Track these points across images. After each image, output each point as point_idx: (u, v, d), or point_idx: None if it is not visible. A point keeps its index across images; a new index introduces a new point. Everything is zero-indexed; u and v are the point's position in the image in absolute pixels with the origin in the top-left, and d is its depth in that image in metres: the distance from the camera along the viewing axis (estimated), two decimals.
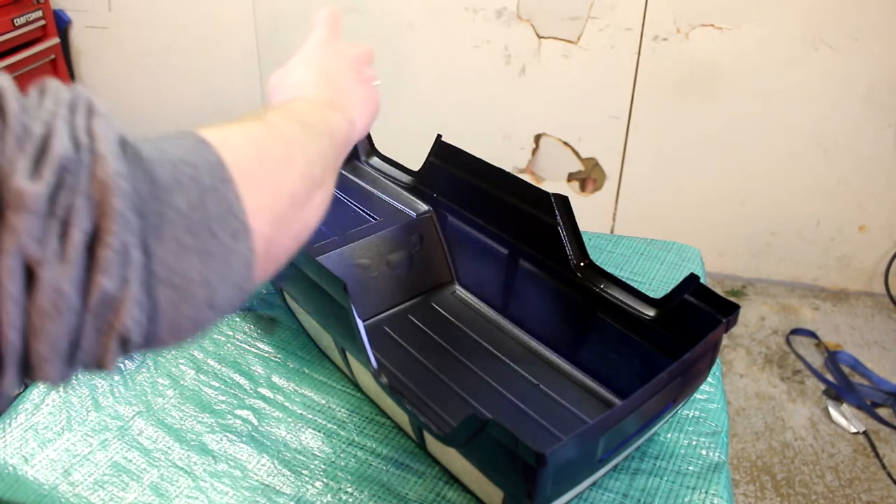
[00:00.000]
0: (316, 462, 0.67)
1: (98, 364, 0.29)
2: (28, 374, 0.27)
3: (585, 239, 0.74)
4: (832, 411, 1.57)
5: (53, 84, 0.30)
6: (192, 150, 0.32)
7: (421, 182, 0.89)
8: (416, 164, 0.90)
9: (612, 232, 1.98)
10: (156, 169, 0.30)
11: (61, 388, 0.75)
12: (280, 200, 0.37)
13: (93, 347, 0.28)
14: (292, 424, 0.72)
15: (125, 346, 0.29)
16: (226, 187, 0.32)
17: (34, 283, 0.26)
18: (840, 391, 1.61)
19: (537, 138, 1.90)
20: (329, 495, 0.64)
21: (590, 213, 1.95)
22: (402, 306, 0.85)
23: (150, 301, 0.29)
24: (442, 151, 0.84)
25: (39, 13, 1.82)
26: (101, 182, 0.27)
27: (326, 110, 0.49)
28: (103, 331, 0.28)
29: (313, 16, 0.59)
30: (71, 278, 0.26)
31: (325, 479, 0.65)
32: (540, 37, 1.77)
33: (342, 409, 0.73)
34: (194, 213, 0.30)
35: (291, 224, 0.39)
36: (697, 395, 0.74)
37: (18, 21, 1.74)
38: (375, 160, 0.96)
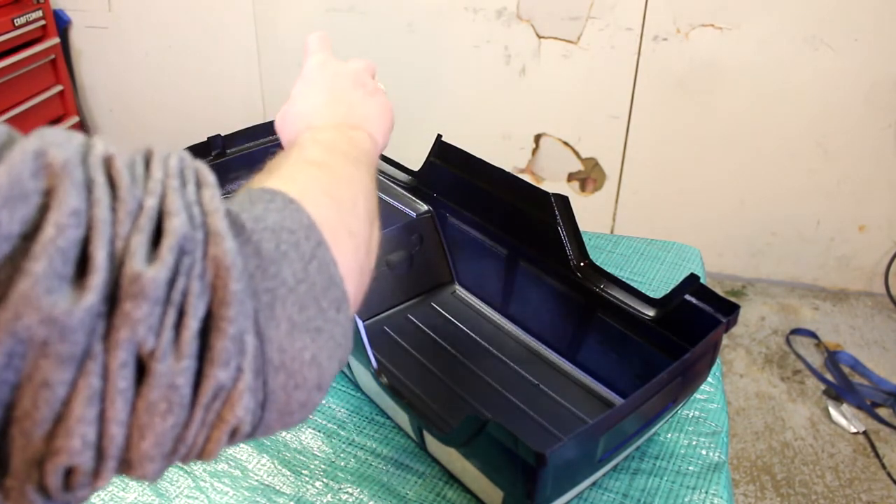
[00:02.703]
0: (316, 462, 0.67)
1: (200, 455, 0.27)
2: (122, 470, 0.25)
3: (585, 239, 0.74)
4: (832, 411, 1.57)
5: (158, 150, 0.29)
6: (286, 213, 0.31)
7: (421, 182, 0.89)
8: (416, 164, 0.90)
9: (612, 232, 1.98)
10: (261, 242, 0.28)
11: None
12: (359, 253, 0.36)
13: (199, 440, 0.26)
14: None
15: (233, 437, 0.27)
16: (323, 252, 0.31)
17: (145, 376, 0.24)
18: (840, 391, 1.61)
19: (537, 138, 1.90)
20: (329, 495, 0.64)
21: (590, 213, 1.95)
22: (402, 306, 0.85)
23: (262, 388, 0.27)
24: (442, 151, 0.84)
25: (39, 13, 1.82)
26: (217, 262, 0.26)
27: (349, 132, 0.47)
28: (213, 424, 0.26)
29: (305, 42, 0.58)
30: (185, 372, 0.24)
31: (325, 479, 0.65)
32: (540, 37, 1.77)
33: (342, 409, 0.73)
34: (301, 285, 0.29)
35: (367, 273, 0.38)
36: (697, 395, 0.74)
37: (18, 21, 1.74)
38: None
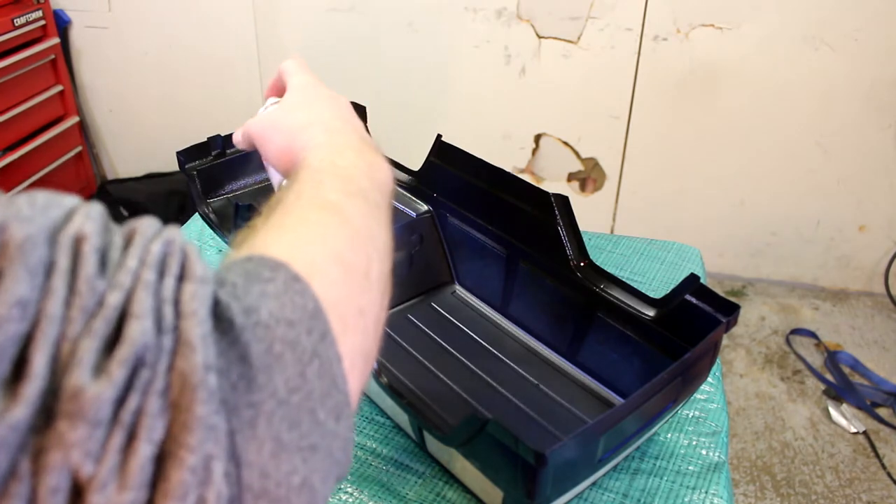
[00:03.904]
0: None
1: None
2: None
3: (585, 239, 0.74)
4: (832, 411, 1.57)
5: (144, 229, 0.25)
6: (286, 298, 0.26)
7: (421, 182, 0.89)
8: (416, 164, 0.90)
9: (612, 232, 1.98)
10: (250, 343, 0.24)
11: None
12: (367, 335, 0.31)
13: None
14: None
15: None
16: (326, 347, 0.27)
17: None
18: (840, 391, 1.61)
19: (537, 138, 1.90)
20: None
21: (590, 213, 1.95)
22: (402, 306, 0.85)
23: None
24: (442, 151, 0.84)
25: (39, 13, 1.82)
26: (183, 378, 0.22)
27: (369, 155, 0.42)
28: None
29: (282, 67, 0.53)
30: None
31: None
32: (540, 37, 1.77)
33: None
34: (295, 395, 0.25)
35: (373, 356, 0.33)
36: (697, 395, 0.74)
37: (18, 21, 1.74)
38: None
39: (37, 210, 0.22)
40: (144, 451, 0.21)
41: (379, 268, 0.34)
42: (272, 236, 0.31)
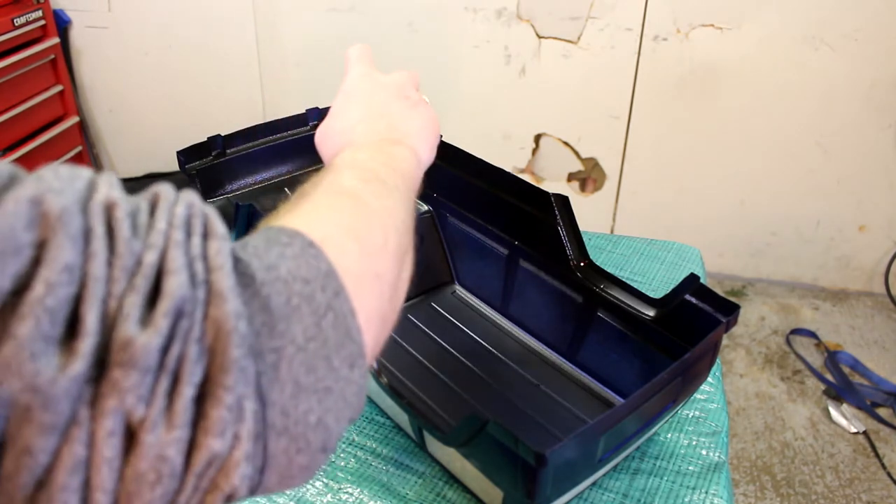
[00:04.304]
0: None
1: None
2: None
3: (585, 239, 0.74)
4: (832, 411, 1.57)
5: (166, 193, 0.27)
6: (302, 260, 0.28)
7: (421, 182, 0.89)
8: None
9: (612, 232, 1.98)
10: (270, 295, 0.26)
11: None
12: (384, 298, 0.34)
13: None
14: None
15: (228, 501, 0.25)
16: (341, 303, 0.29)
17: (133, 444, 0.22)
18: (840, 391, 1.61)
19: (537, 138, 1.90)
20: (329, 495, 0.64)
21: (590, 213, 1.95)
22: (402, 306, 0.85)
23: (262, 454, 0.25)
24: (442, 151, 0.84)
25: (39, 13, 1.82)
26: (218, 326, 0.24)
27: (389, 148, 0.45)
28: (206, 490, 0.24)
29: (345, 55, 0.56)
30: (177, 442, 0.23)
31: (325, 479, 0.65)
32: (540, 37, 1.77)
33: None
34: (311, 343, 0.27)
35: (391, 319, 0.35)
36: (697, 395, 0.74)
37: (18, 21, 1.74)
38: None
39: (65, 182, 0.24)
40: (187, 392, 0.23)
41: (396, 240, 0.36)
42: (289, 217, 0.33)
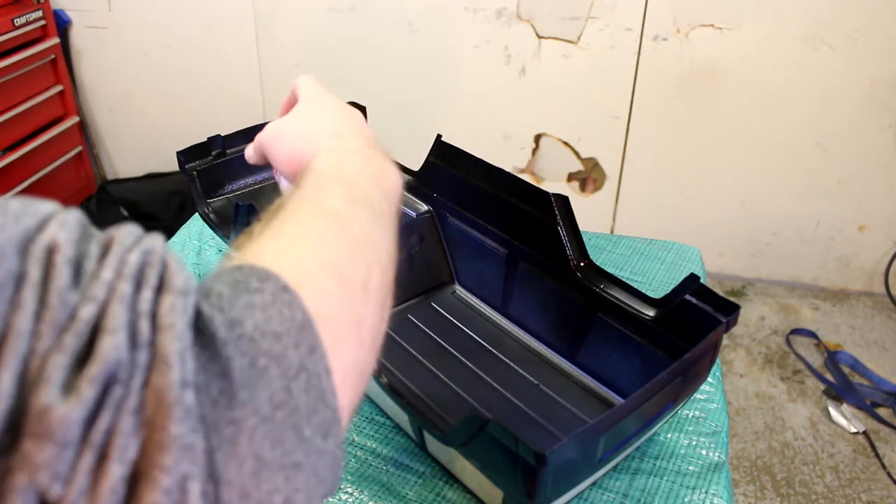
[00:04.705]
0: None
1: None
2: None
3: (585, 239, 0.74)
4: (832, 411, 1.57)
5: (122, 237, 0.24)
6: (273, 310, 0.25)
7: (421, 182, 0.89)
8: (416, 164, 0.90)
9: (612, 232, 1.98)
10: (232, 357, 0.23)
11: None
12: (363, 348, 0.30)
13: None
14: None
15: None
16: (315, 361, 0.26)
17: None
18: (840, 391, 1.61)
19: (537, 138, 1.90)
20: None
21: (590, 213, 1.95)
22: (402, 306, 0.85)
23: None
24: (442, 151, 0.84)
25: (39, 13, 1.82)
26: (159, 396, 0.21)
27: (379, 163, 0.41)
28: None
29: (295, 83, 0.53)
30: None
31: None
32: (540, 37, 1.77)
33: None
34: (279, 411, 0.24)
35: (369, 371, 0.32)
36: (697, 395, 0.74)
37: (18, 21, 1.74)
38: None
39: (9, 218, 0.21)
40: (116, 471, 0.20)
41: (380, 279, 0.33)
42: (267, 244, 0.30)
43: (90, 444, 0.20)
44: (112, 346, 0.20)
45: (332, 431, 0.26)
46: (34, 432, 0.19)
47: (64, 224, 0.22)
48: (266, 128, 0.49)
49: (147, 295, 0.22)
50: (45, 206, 0.23)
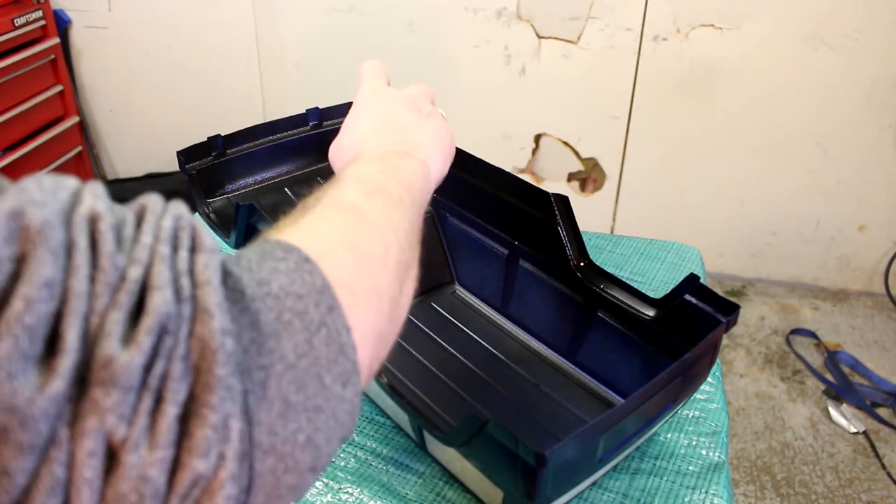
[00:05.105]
0: None
1: None
2: None
3: (585, 239, 0.74)
4: (832, 411, 1.57)
5: (153, 205, 0.26)
6: (296, 275, 0.28)
7: None
8: None
9: (612, 232, 1.98)
10: (260, 311, 0.26)
11: None
12: (382, 315, 0.33)
13: None
14: None
15: None
16: (334, 319, 0.28)
17: (115, 465, 0.22)
18: (840, 391, 1.61)
19: (537, 138, 1.90)
20: (329, 495, 0.64)
21: (590, 213, 1.95)
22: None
23: (248, 473, 0.25)
24: None
25: (39, 13, 1.82)
26: (203, 343, 0.23)
27: (395, 161, 0.44)
28: None
29: (359, 71, 0.56)
30: (160, 463, 0.22)
31: (325, 479, 0.65)
32: (540, 37, 1.77)
33: None
34: (302, 360, 0.26)
35: (390, 336, 0.35)
36: (697, 395, 0.74)
37: (18, 21, 1.74)
38: None
39: (47, 193, 0.23)
40: (171, 412, 0.22)
41: (398, 255, 0.36)
42: (288, 230, 0.33)
43: (148, 388, 0.22)
44: (161, 300, 0.23)
45: (350, 381, 0.29)
46: (101, 380, 0.21)
47: (96, 195, 0.24)
48: (331, 147, 0.52)
49: (183, 255, 0.25)
50: (72, 181, 0.25)
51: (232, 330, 0.24)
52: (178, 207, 0.27)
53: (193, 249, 0.25)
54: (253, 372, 0.25)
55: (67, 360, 0.21)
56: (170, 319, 0.23)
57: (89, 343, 0.22)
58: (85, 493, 0.21)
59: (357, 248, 0.33)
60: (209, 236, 0.26)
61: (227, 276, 0.26)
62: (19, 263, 0.21)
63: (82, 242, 0.23)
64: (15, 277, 0.21)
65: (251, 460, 0.25)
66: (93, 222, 0.23)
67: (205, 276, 0.24)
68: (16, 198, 0.22)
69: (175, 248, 0.25)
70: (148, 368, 0.22)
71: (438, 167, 0.50)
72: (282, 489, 0.26)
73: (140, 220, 0.25)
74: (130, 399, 0.22)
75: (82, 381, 0.22)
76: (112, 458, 0.22)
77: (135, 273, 0.23)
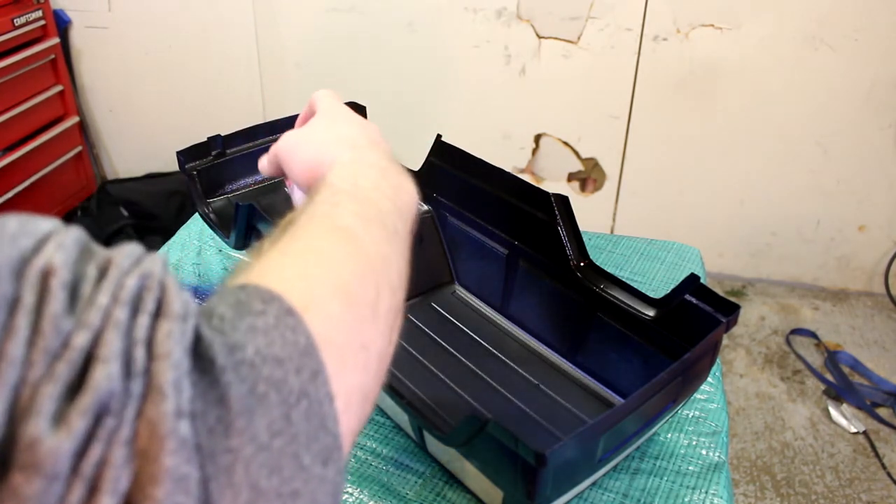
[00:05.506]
0: None
1: None
2: None
3: (585, 239, 0.74)
4: (832, 411, 1.57)
5: (121, 259, 0.23)
6: (276, 333, 0.25)
7: (421, 182, 0.88)
8: (416, 164, 0.90)
9: (612, 232, 1.98)
10: (231, 384, 0.23)
11: None
12: (369, 373, 0.30)
13: None
14: None
15: None
16: (317, 387, 0.25)
17: None
18: (840, 391, 1.61)
19: (537, 138, 1.90)
20: None
21: (590, 213, 1.95)
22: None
23: None
24: (442, 151, 0.84)
25: (39, 13, 1.82)
26: (152, 427, 0.20)
27: (395, 177, 0.41)
28: None
29: (313, 97, 0.53)
30: None
31: None
32: (540, 37, 1.77)
33: None
34: (277, 439, 0.23)
35: (374, 394, 0.31)
36: (697, 395, 0.74)
37: (18, 21, 1.74)
38: None
39: (4, 239, 0.21)
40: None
41: (389, 301, 0.33)
42: (274, 262, 0.30)
43: (80, 476, 0.19)
44: (105, 375, 0.20)
45: (332, 458, 0.26)
46: (23, 464, 0.19)
47: (61, 246, 0.22)
48: (282, 138, 0.49)
49: (143, 321, 0.22)
50: (45, 225, 0.22)
51: (190, 409, 0.21)
52: (152, 263, 0.24)
53: (158, 314, 0.22)
54: (218, 456, 0.22)
55: None
56: (113, 397, 0.20)
57: (16, 419, 0.19)
58: None
59: (349, 293, 0.30)
60: (181, 299, 0.23)
61: (198, 341, 0.23)
62: None
63: (29, 299, 0.20)
64: None
65: None
66: (45, 278, 0.21)
67: (164, 348, 0.21)
68: None
69: (136, 311, 0.22)
70: (81, 454, 0.19)
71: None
72: None
73: (102, 275, 0.22)
74: (56, 489, 0.19)
75: (4, 461, 0.19)
76: None
77: (80, 340, 0.20)
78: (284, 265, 0.30)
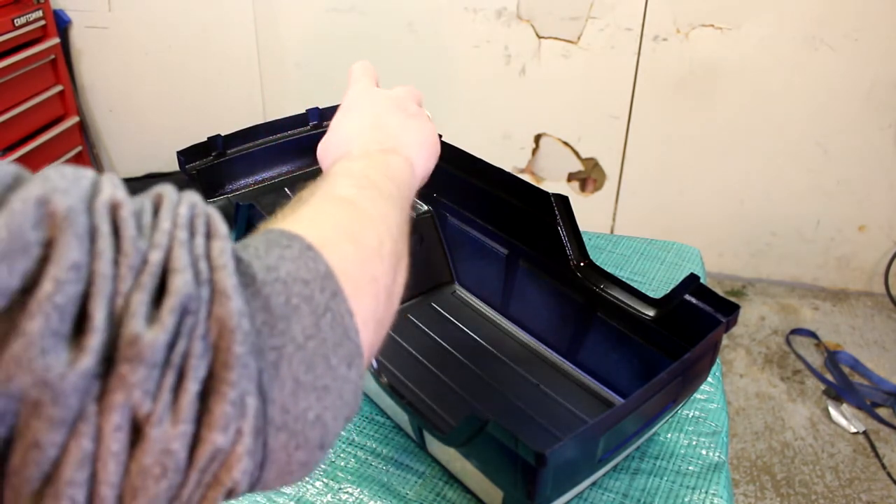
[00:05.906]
0: None
1: None
2: None
3: (585, 239, 0.74)
4: (832, 411, 1.57)
5: (169, 194, 0.28)
6: (301, 262, 0.29)
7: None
8: None
9: (612, 232, 1.98)
10: (270, 295, 0.27)
11: None
12: (379, 302, 0.34)
13: (193, 501, 0.25)
14: None
15: (229, 496, 0.26)
16: (338, 304, 0.30)
17: (139, 439, 0.23)
18: (840, 391, 1.61)
19: (537, 138, 1.90)
20: (329, 495, 0.64)
21: (590, 213, 1.95)
22: (402, 306, 0.85)
23: (262, 449, 0.26)
24: (442, 151, 0.84)
25: (39, 13, 1.82)
26: (221, 323, 0.25)
27: (382, 157, 0.46)
28: (208, 485, 0.25)
29: (349, 71, 0.57)
30: (182, 437, 0.23)
31: (325, 479, 0.65)
32: (540, 37, 1.77)
33: None
34: (310, 341, 0.28)
35: (386, 322, 0.36)
36: (697, 395, 0.74)
37: (18, 21, 1.74)
38: None
39: (70, 182, 0.24)
40: (192, 388, 0.24)
41: (391, 246, 0.37)
42: (287, 221, 0.34)
43: (171, 365, 0.23)
44: (183, 282, 0.24)
45: (354, 363, 0.30)
46: (127, 357, 0.22)
47: (115, 184, 0.25)
48: (319, 145, 0.53)
49: (200, 241, 0.26)
50: (89, 171, 0.26)
51: (247, 311, 0.26)
52: (193, 196, 0.28)
53: (209, 236, 0.27)
54: (266, 352, 0.26)
55: (96, 338, 0.22)
56: (191, 300, 0.24)
57: (115, 322, 0.23)
58: (111, 466, 0.22)
59: (355, 238, 0.34)
60: (222, 224, 0.27)
61: (238, 262, 0.27)
62: (47, 247, 0.22)
63: (105, 228, 0.24)
64: (44, 261, 0.22)
65: (265, 436, 0.26)
66: (114, 209, 0.24)
67: (221, 261, 0.26)
68: (41, 186, 0.23)
69: (192, 233, 0.26)
70: (171, 346, 0.23)
71: (423, 164, 0.51)
72: (293, 465, 0.28)
73: (157, 207, 0.27)
74: (155, 375, 0.23)
75: (109, 359, 0.23)
76: (137, 432, 0.23)
77: (156, 256, 0.24)
78: (298, 219, 0.34)
